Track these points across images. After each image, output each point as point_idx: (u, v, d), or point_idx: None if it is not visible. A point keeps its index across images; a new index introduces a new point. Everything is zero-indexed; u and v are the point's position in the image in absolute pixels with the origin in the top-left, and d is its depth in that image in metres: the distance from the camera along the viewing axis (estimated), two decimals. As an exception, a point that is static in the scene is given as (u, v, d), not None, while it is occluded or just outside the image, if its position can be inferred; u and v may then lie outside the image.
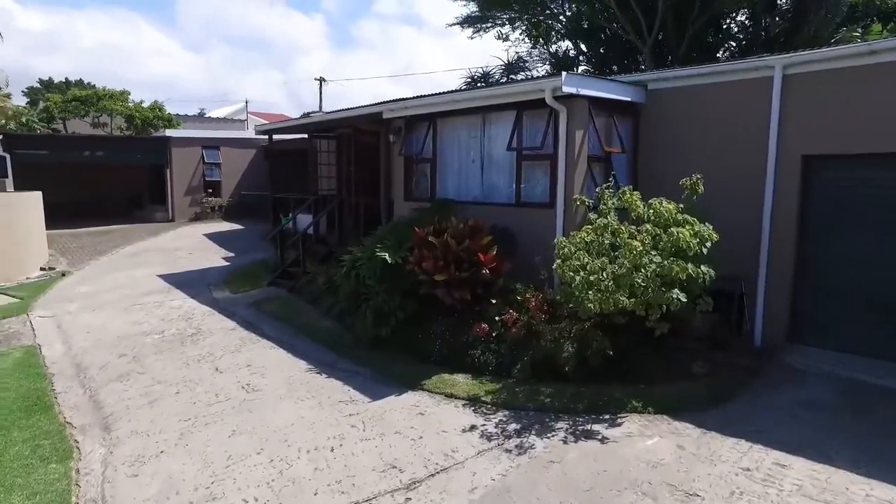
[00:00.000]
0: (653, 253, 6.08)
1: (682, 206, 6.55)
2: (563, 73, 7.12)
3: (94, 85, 25.53)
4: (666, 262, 5.95)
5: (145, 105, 25.69)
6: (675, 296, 5.88)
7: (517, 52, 22.23)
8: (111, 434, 5.68)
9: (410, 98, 9.60)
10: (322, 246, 12.12)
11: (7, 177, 17.42)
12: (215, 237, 17.51)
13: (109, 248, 15.97)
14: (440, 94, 9.30)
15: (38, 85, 39.27)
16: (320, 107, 35.33)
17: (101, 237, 17.42)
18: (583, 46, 20.41)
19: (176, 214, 20.50)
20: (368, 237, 10.39)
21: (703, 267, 5.95)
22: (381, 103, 10.18)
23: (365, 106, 10.66)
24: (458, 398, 6.35)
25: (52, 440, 5.53)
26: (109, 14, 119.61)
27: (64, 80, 37.22)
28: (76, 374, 7.31)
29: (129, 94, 25.58)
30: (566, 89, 7.17)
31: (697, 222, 6.30)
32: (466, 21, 20.99)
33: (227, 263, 14.05)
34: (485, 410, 6.05)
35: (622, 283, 5.92)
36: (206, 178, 20.98)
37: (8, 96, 14.19)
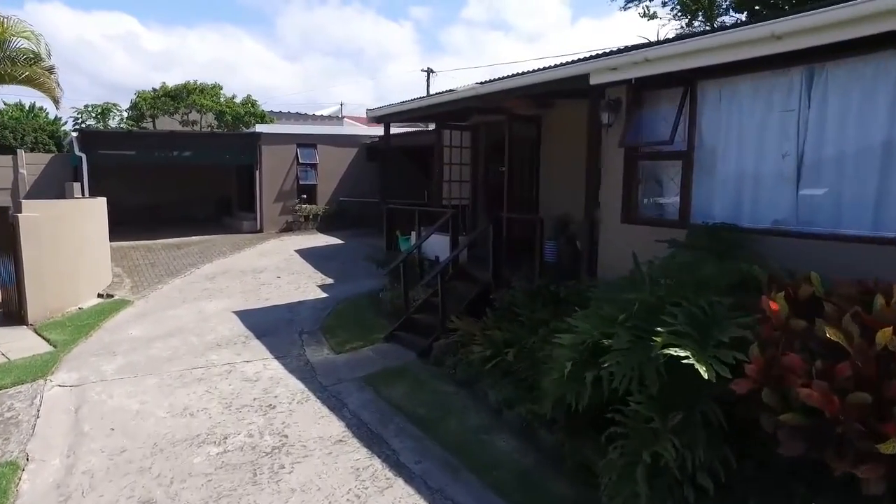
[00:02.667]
0: None
1: None
2: None
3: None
4: None
5: (237, 100, 23.10)
6: None
7: (681, 26, 17.51)
8: None
9: (651, 45, 5.46)
10: (466, 283, 8.11)
11: (78, 181, 14.91)
12: (309, 254, 14.16)
13: (184, 266, 12.94)
14: (720, 31, 5.10)
15: (151, 93, 38.86)
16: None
17: (178, 251, 14.52)
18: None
19: (265, 224, 17.42)
20: (541, 275, 6.52)
21: None
22: (587, 59, 6.07)
23: (553, 68, 6.61)
24: None
25: None
26: (218, 31, 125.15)
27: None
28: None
29: (221, 87, 23.06)
30: None
31: None
32: (620, -13, 16.62)
33: (325, 295, 10.52)
34: None
35: None
36: (300, 182, 17.77)
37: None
